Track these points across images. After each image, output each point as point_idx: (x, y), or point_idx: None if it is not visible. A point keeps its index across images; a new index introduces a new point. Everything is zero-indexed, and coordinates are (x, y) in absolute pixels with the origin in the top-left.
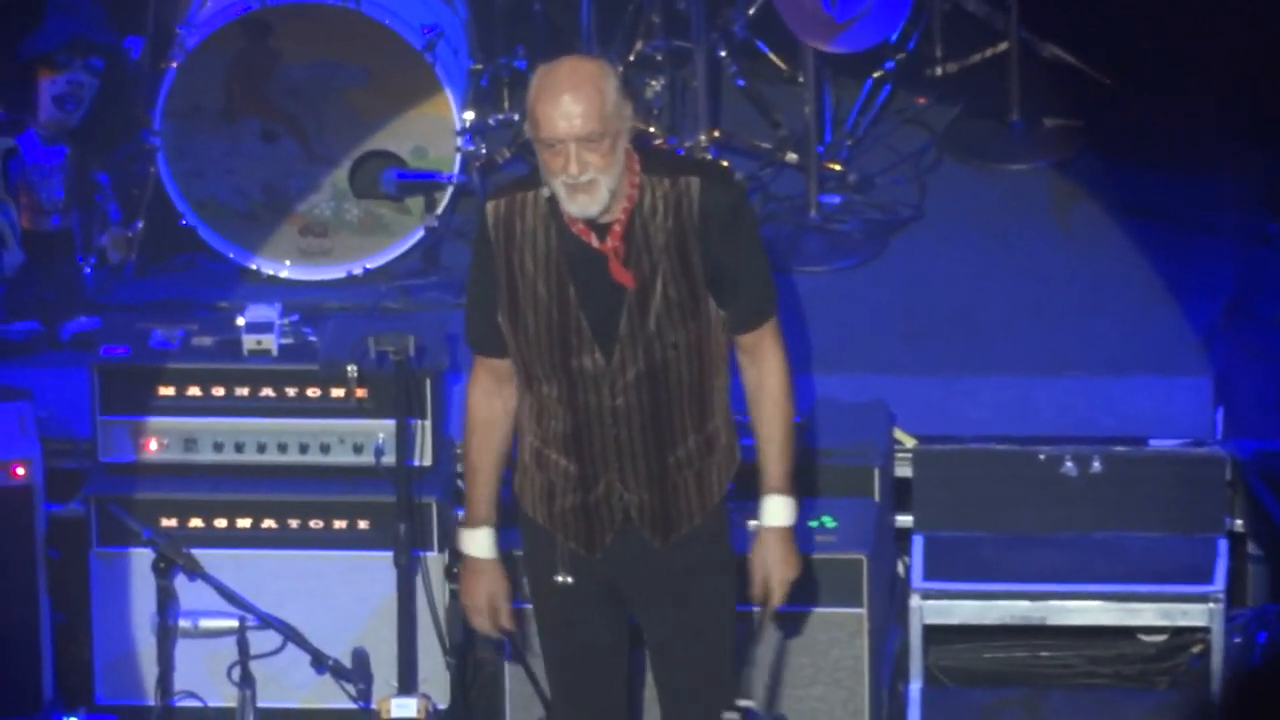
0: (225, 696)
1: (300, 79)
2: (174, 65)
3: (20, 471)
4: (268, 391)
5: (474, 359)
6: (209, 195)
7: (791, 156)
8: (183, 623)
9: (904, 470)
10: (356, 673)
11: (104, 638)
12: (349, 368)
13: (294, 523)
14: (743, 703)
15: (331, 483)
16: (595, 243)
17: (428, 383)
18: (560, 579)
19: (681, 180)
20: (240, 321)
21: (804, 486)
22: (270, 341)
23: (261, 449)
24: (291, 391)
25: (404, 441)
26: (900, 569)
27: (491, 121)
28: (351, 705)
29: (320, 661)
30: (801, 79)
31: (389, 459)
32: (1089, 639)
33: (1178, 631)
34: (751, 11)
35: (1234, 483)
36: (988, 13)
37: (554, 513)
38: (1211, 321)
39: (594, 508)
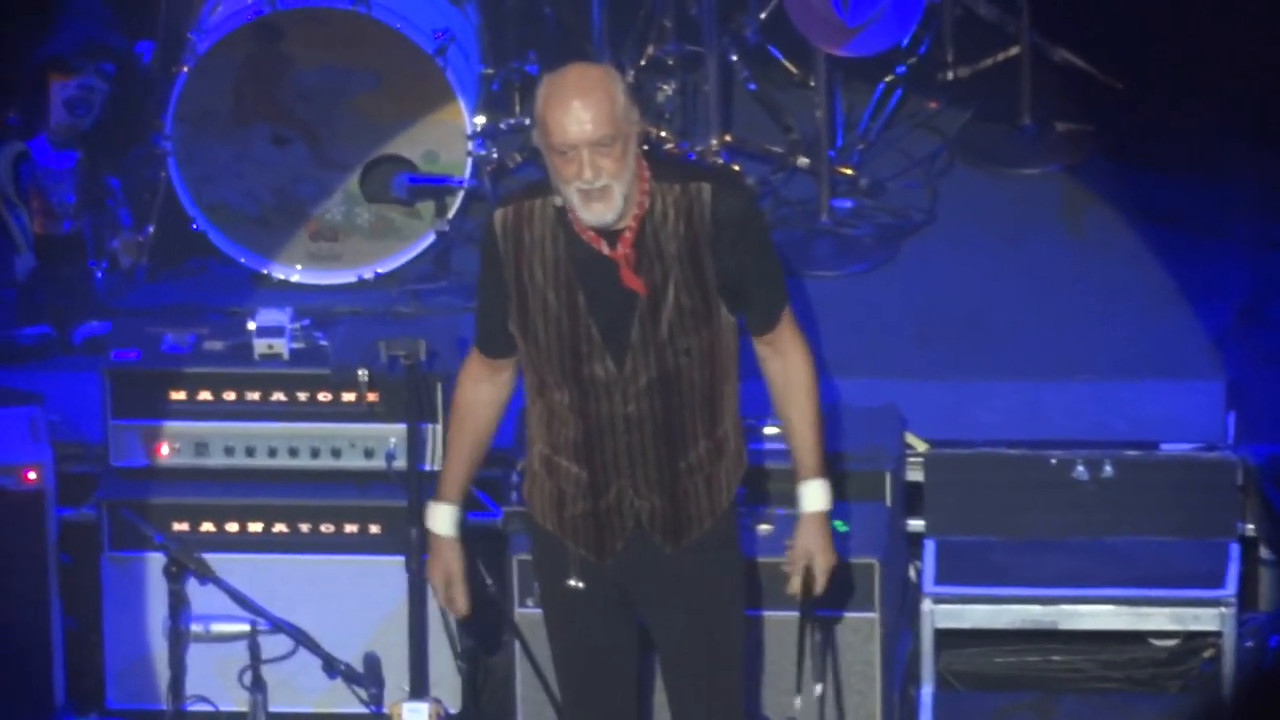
0: (237, 701)
1: (311, 83)
2: (185, 70)
3: (32, 476)
4: (279, 396)
5: (470, 347)
6: (220, 200)
7: (803, 161)
8: (194, 627)
9: (915, 474)
10: (368, 677)
11: (115, 642)
12: (360, 372)
13: (305, 527)
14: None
15: (342, 487)
16: (605, 250)
17: (439, 387)
18: (572, 583)
19: (692, 186)
20: (251, 326)
21: None
22: (281, 346)
23: (272, 453)
24: (302, 396)
25: (415, 446)
26: (912, 573)
27: (503, 126)
28: (363, 710)
29: (332, 666)
30: (813, 83)
31: (400, 463)
32: (1100, 643)
33: (1189, 636)
34: (763, 16)
35: (1246, 487)
36: (999, 17)
37: (564, 519)
38: (1223, 325)
39: (604, 514)
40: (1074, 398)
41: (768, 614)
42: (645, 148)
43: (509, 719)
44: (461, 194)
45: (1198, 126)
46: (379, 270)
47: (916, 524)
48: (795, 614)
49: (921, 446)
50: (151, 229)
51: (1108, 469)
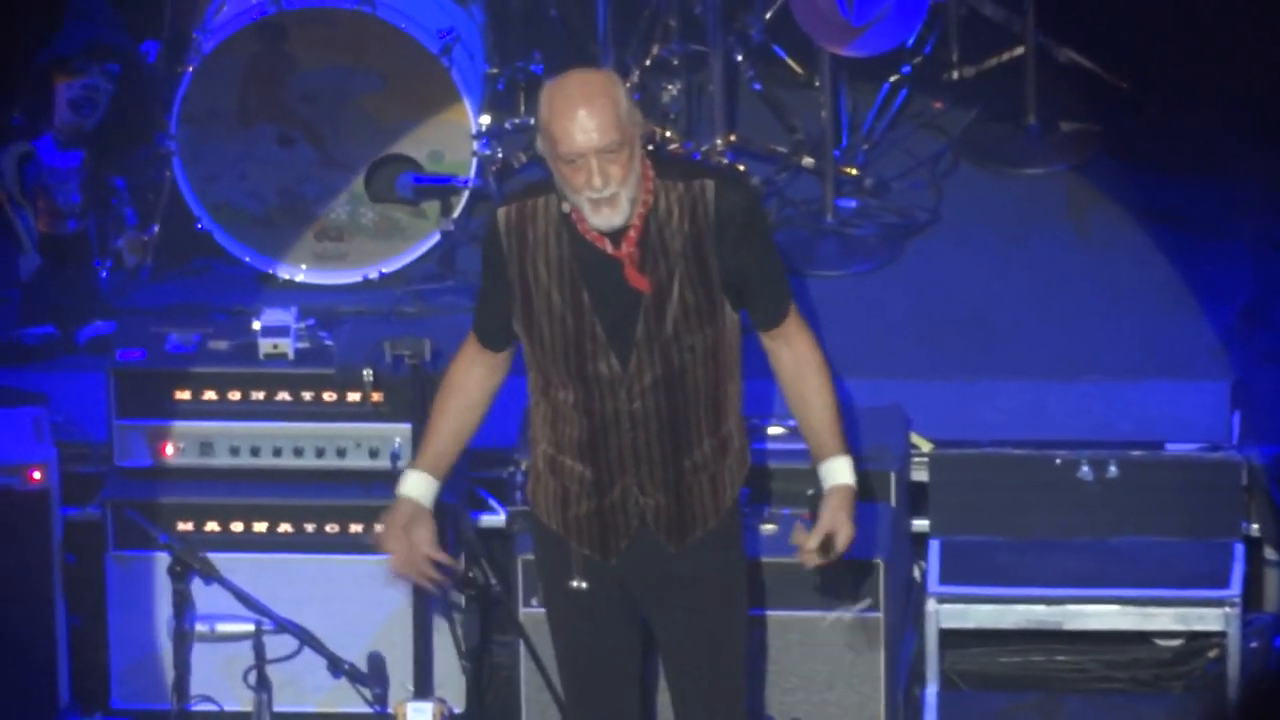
0: (241, 700)
1: (316, 83)
2: (190, 70)
3: (36, 476)
4: (283, 395)
5: (468, 336)
6: (225, 199)
7: (808, 161)
8: (199, 627)
9: (920, 474)
10: (372, 677)
11: (120, 642)
12: (365, 372)
13: (310, 527)
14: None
15: (347, 487)
16: (609, 248)
17: None
18: (575, 584)
19: (696, 183)
20: (256, 325)
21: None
22: (286, 345)
23: (277, 453)
24: (307, 395)
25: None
26: (916, 573)
27: (508, 126)
28: (367, 709)
29: (336, 666)
30: (818, 83)
31: (405, 463)
32: (1105, 643)
33: (1194, 636)
34: (768, 16)
35: (1250, 487)
36: (1004, 17)
37: (568, 519)
38: (1228, 326)
39: (609, 513)
40: (1079, 398)
41: (771, 613)
42: (650, 148)
43: (513, 719)
44: (466, 194)
45: (1203, 126)
46: (384, 270)
47: (921, 524)
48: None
49: (926, 446)
50: (156, 229)
51: (1112, 469)
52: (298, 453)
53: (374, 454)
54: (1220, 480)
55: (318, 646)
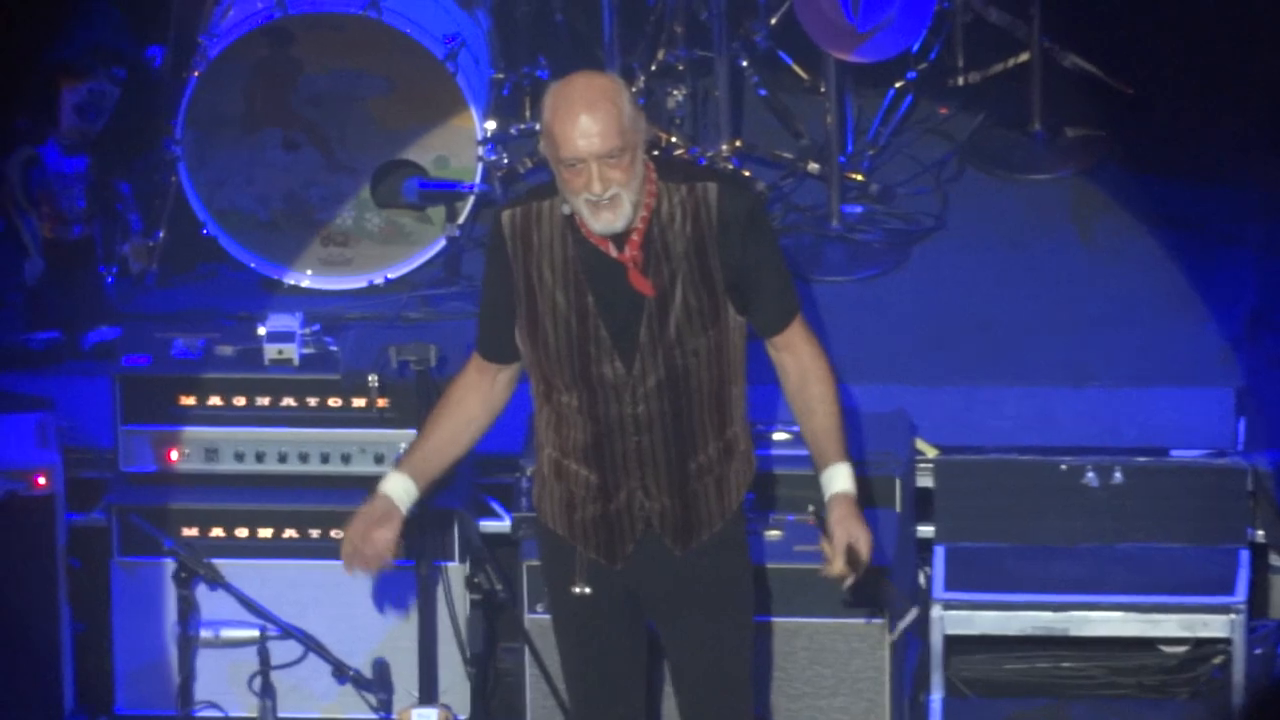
0: (246, 706)
1: (322, 88)
2: (196, 74)
3: (41, 481)
4: (289, 401)
5: (471, 354)
6: (230, 205)
7: (813, 166)
8: (204, 632)
9: (925, 481)
10: (377, 683)
11: (125, 647)
12: (370, 377)
13: (315, 532)
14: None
15: (353, 492)
16: (613, 252)
17: None
18: (579, 590)
19: (699, 186)
20: (261, 331)
21: None
22: (291, 351)
23: (283, 459)
24: (313, 401)
25: None
26: (922, 579)
27: (513, 131)
28: (372, 715)
29: (341, 672)
30: (823, 89)
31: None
32: (1110, 650)
33: (1199, 643)
34: (773, 21)
35: (1256, 493)
36: (1009, 22)
37: (574, 523)
38: (1234, 332)
39: (615, 517)
40: (1084, 404)
41: (776, 620)
42: (655, 153)
43: None
44: (472, 199)
45: (1208, 132)
46: (389, 275)
47: (926, 530)
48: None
49: (932, 452)
50: (162, 234)
51: (1118, 475)
52: (303, 458)
53: (379, 459)
54: (1226, 486)
55: (322, 652)
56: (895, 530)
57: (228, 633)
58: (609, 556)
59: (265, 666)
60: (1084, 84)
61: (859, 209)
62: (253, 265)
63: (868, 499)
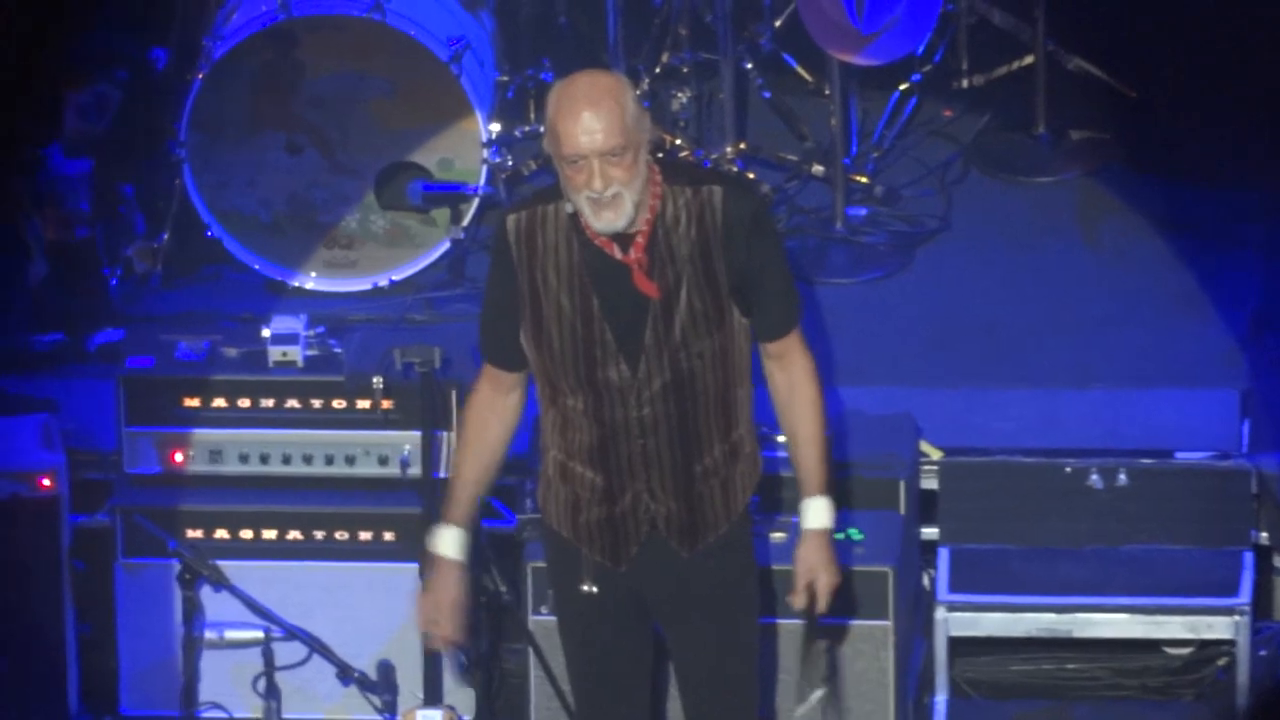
0: (250, 708)
1: (326, 90)
2: (199, 76)
3: (46, 482)
4: (293, 403)
5: (481, 368)
6: (234, 207)
7: (818, 169)
8: (208, 634)
9: (930, 482)
10: (382, 684)
11: (129, 648)
12: (374, 379)
13: (319, 534)
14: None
15: (357, 494)
16: (618, 254)
17: (453, 394)
18: (586, 588)
19: (704, 189)
20: (265, 333)
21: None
22: (295, 353)
23: (287, 460)
24: (317, 403)
25: (429, 453)
26: (926, 581)
27: (517, 133)
28: (377, 717)
29: (346, 673)
30: (828, 91)
31: (414, 470)
32: (1115, 651)
33: (1203, 644)
34: (778, 24)
35: (1260, 495)
36: (1014, 25)
37: (579, 525)
38: (1238, 334)
39: (620, 520)
40: (1089, 405)
41: (781, 622)
42: (659, 155)
43: None
44: (476, 201)
45: (1212, 134)
46: (394, 278)
47: (931, 532)
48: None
49: (936, 454)
50: (166, 236)
51: (1122, 477)
52: (307, 460)
53: (383, 461)
54: (1230, 488)
55: (327, 654)
56: (899, 532)
57: (232, 634)
58: (613, 559)
59: (270, 668)
60: (1088, 87)
61: (863, 211)
62: (257, 267)
63: (872, 501)
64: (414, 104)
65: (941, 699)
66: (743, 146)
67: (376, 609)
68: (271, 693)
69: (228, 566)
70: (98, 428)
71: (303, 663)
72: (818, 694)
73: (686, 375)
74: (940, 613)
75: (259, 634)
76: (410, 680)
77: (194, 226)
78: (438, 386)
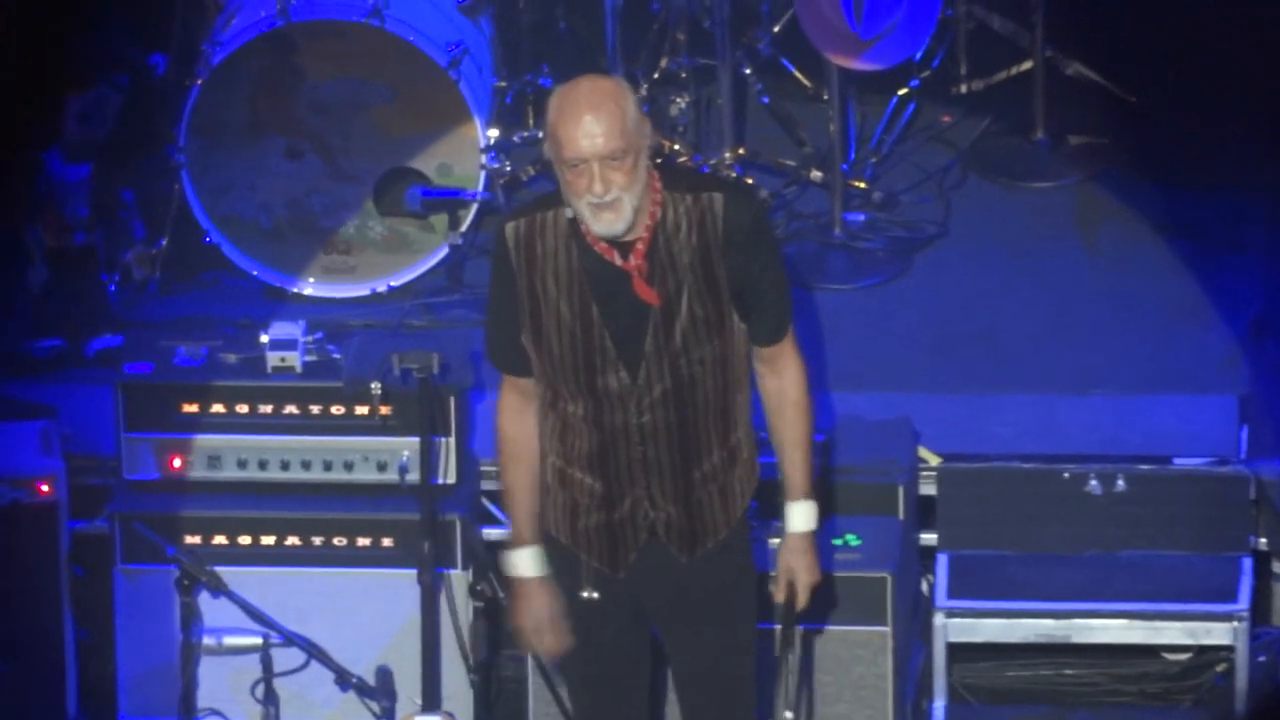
0: (249, 714)
1: (325, 96)
2: (199, 82)
3: (44, 488)
4: (291, 409)
5: (501, 379)
6: (233, 212)
7: (816, 174)
8: (206, 640)
9: (928, 488)
10: (380, 690)
11: (128, 654)
12: (373, 385)
13: (318, 540)
14: (787, 714)
15: (355, 500)
16: (618, 261)
17: (452, 400)
18: (586, 594)
19: (704, 196)
20: (264, 339)
21: (828, 504)
22: (294, 358)
23: (285, 466)
24: (315, 409)
25: (428, 459)
26: (924, 587)
27: (516, 139)
28: None
29: (344, 679)
30: (826, 96)
31: (413, 476)
32: (1113, 657)
33: (1202, 650)
34: (776, 29)
35: (1259, 501)
36: (1013, 30)
37: (577, 531)
38: (1238, 339)
39: (619, 526)
40: (1088, 411)
41: (778, 627)
42: (658, 161)
43: None
44: (475, 207)
45: (1211, 139)
46: (392, 283)
47: (929, 538)
48: (804, 628)
49: (934, 460)
50: (165, 242)
51: (1120, 483)
52: (305, 466)
53: (382, 467)
54: (1228, 494)
55: (325, 660)
56: (898, 538)
57: (230, 640)
58: (612, 565)
59: (268, 674)
60: (1087, 92)
61: (862, 217)
62: (255, 273)
63: (870, 507)
64: (413, 110)
65: (940, 704)
66: (741, 152)
67: (375, 615)
68: (270, 699)
69: (226, 572)
70: (96, 433)
71: (301, 668)
72: (788, 715)
73: (687, 381)
74: (939, 618)
75: (257, 640)
76: (409, 686)
77: (193, 232)
78: (436, 392)
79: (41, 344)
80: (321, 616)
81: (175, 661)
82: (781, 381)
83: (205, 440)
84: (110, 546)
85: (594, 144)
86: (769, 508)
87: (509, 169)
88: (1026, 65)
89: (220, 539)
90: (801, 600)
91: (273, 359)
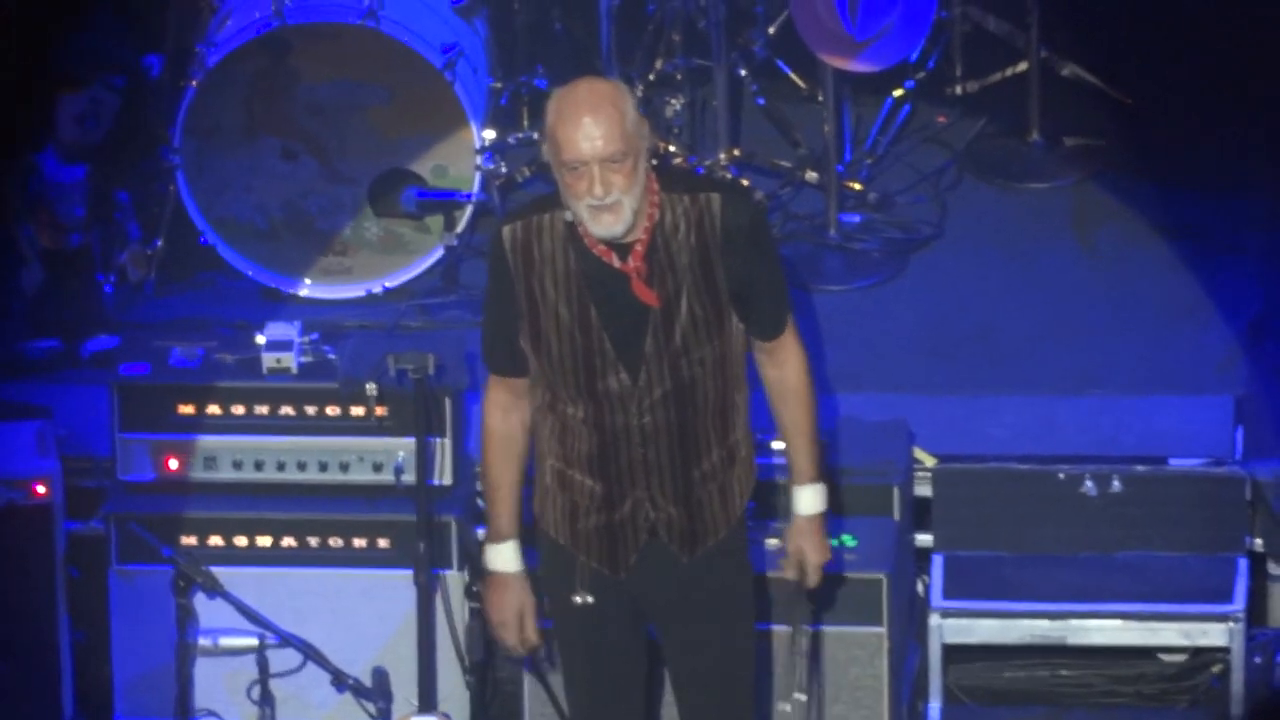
0: (245, 715)
1: (320, 97)
2: (194, 83)
3: (40, 489)
4: (287, 409)
5: (489, 376)
6: (229, 213)
7: (811, 175)
8: (202, 641)
9: (924, 489)
10: (376, 691)
11: (123, 656)
12: (368, 386)
13: (314, 541)
14: (799, 696)
15: (351, 501)
16: (616, 263)
17: (447, 401)
18: (580, 599)
19: (702, 197)
20: (260, 340)
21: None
22: (290, 359)
23: (281, 467)
24: (311, 410)
25: (423, 460)
26: (920, 588)
27: (511, 140)
28: None
29: (340, 680)
30: (821, 98)
31: (408, 477)
32: (1109, 658)
33: (1198, 651)
34: (772, 30)
35: (1254, 502)
36: (1008, 31)
37: (576, 533)
38: (1233, 340)
39: (619, 527)
40: (1084, 412)
41: (776, 628)
42: (655, 162)
43: None
44: (470, 208)
45: (1208, 140)
46: (388, 284)
47: (925, 539)
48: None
49: (930, 461)
50: (160, 243)
51: (1116, 484)
52: (301, 467)
53: (378, 468)
54: (1224, 495)
55: (321, 661)
56: (893, 539)
57: (226, 641)
58: (611, 566)
59: (264, 675)
60: (1082, 93)
61: (857, 218)
62: (251, 274)
63: (866, 508)
64: (408, 111)
65: (935, 706)
66: (736, 153)
67: (371, 616)
68: (266, 700)
69: (222, 573)
70: (92, 434)
71: (297, 670)
72: (801, 697)
73: (687, 382)
74: (934, 619)
75: (253, 641)
76: (405, 687)
77: (188, 233)
78: (432, 393)
79: (37, 345)
80: (317, 617)
81: (171, 662)
82: (782, 371)
83: (201, 441)
84: (106, 547)
85: (594, 146)
86: (766, 509)
87: (504, 170)
88: (1022, 66)
89: (216, 540)
90: (812, 579)
91: (268, 360)
